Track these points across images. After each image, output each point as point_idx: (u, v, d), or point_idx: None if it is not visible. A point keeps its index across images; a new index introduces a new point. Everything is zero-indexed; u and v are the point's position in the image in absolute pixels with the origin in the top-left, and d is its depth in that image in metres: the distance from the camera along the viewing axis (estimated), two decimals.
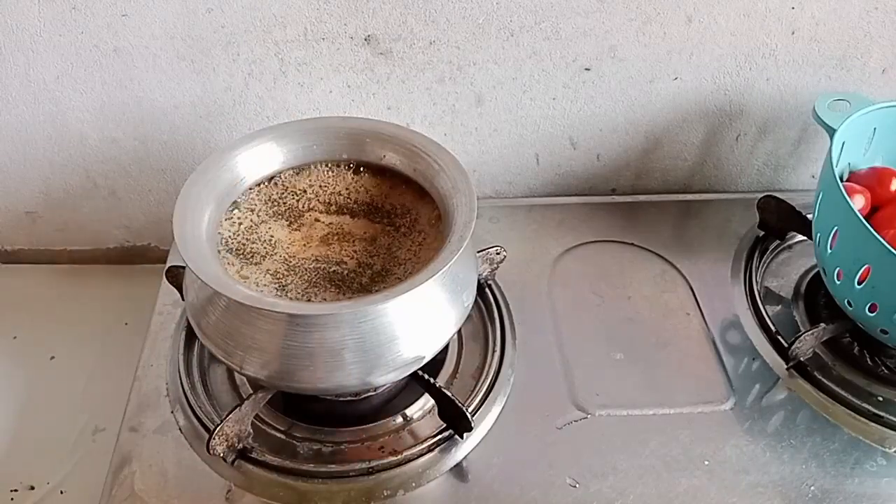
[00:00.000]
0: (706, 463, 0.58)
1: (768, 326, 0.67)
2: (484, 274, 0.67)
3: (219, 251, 0.56)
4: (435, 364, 0.61)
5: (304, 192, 0.61)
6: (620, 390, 0.63)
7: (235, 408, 0.55)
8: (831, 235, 0.61)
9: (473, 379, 0.63)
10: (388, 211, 0.61)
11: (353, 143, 0.62)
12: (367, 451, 0.58)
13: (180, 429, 0.59)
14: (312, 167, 0.62)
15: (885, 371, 0.65)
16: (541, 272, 0.73)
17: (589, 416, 0.61)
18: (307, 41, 0.70)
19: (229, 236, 0.57)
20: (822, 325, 0.64)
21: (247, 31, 0.69)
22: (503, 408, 0.61)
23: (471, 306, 0.57)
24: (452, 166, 0.58)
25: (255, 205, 0.60)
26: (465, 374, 0.64)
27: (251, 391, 0.59)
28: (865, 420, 0.61)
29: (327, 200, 0.61)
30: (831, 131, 0.65)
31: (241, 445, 0.56)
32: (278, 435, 0.60)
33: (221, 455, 0.55)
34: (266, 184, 0.61)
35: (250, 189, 0.60)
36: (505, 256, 0.67)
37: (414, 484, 0.56)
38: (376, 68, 0.72)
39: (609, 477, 0.57)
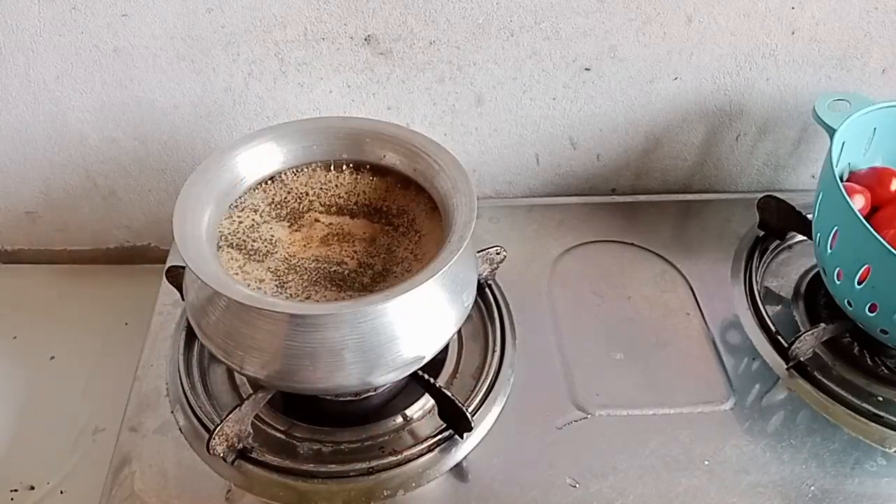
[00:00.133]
0: (706, 463, 0.58)
1: (768, 326, 0.67)
2: (484, 274, 0.67)
3: (221, 246, 0.56)
4: (435, 364, 0.61)
5: (304, 192, 0.61)
6: (620, 390, 0.63)
7: (235, 408, 0.55)
8: (831, 235, 0.61)
9: (473, 379, 0.63)
10: (387, 211, 0.61)
11: (353, 143, 0.62)
12: (367, 451, 0.58)
13: (180, 429, 0.59)
14: (312, 167, 0.62)
15: (885, 371, 0.65)
16: (541, 272, 0.73)
17: (589, 416, 0.61)
18: (307, 41, 0.70)
19: (229, 233, 0.57)
20: (822, 325, 0.64)
21: (247, 31, 0.69)
22: (503, 408, 0.61)
23: (471, 306, 0.57)
24: (452, 166, 0.58)
25: (257, 205, 0.60)
26: (465, 374, 0.64)
27: (251, 391, 0.59)
28: (865, 420, 0.61)
29: (327, 201, 0.61)
30: (831, 131, 0.65)
31: (241, 445, 0.56)
32: (278, 435, 0.60)
33: (221, 455, 0.55)
34: (266, 184, 0.61)
35: (251, 189, 0.60)
36: (505, 256, 0.67)
37: (414, 484, 0.56)
38: (376, 68, 0.72)
39: (609, 477, 0.57)
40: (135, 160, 0.78)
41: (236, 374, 0.64)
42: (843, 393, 0.62)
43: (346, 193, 0.61)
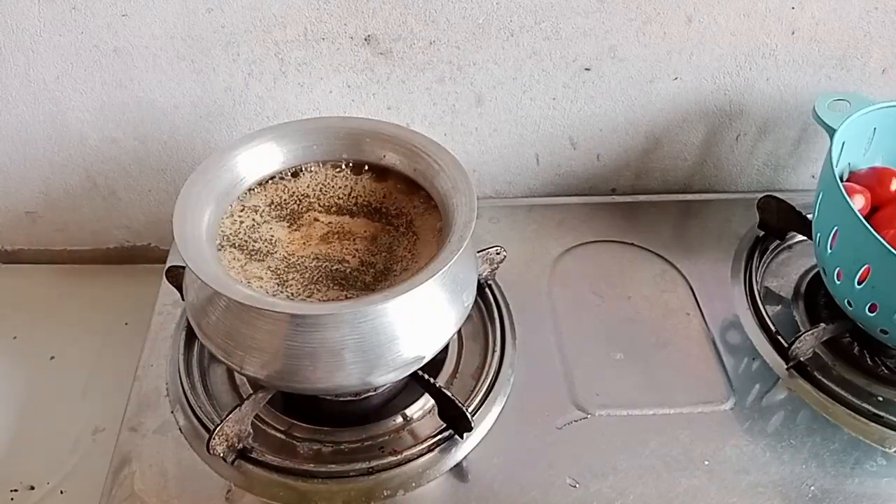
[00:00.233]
0: (706, 463, 0.58)
1: (768, 326, 0.67)
2: (484, 274, 0.67)
3: (223, 246, 0.56)
4: (435, 364, 0.61)
5: (304, 192, 0.61)
6: (620, 390, 0.63)
7: (235, 408, 0.55)
8: (831, 235, 0.61)
9: (473, 379, 0.63)
10: (387, 211, 0.61)
11: (352, 143, 0.62)
12: (367, 451, 0.58)
13: (180, 429, 0.59)
14: (312, 167, 0.62)
15: (885, 371, 0.65)
16: (541, 272, 0.73)
17: (589, 416, 0.61)
18: (307, 41, 0.70)
19: (231, 233, 0.57)
20: (822, 325, 0.64)
21: (247, 31, 0.69)
22: (503, 408, 0.61)
23: (471, 306, 0.57)
24: (452, 166, 0.58)
25: (257, 205, 0.60)
26: (465, 374, 0.64)
27: (251, 391, 0.59)
28: (865, 420, 0.61)
29: (327, 201, 0.61)
30: (831, 131, 0.65)
31: (241, 445, 0.56)
32: (278, 435, 0.60)
33: (221, 455, 0.55)
34: (266, 184, 0.61)
35: (251, 189, 0.60)
36: (505, 256, 0.67)
37: (414, 484, 0.56)
38: (376, 68, 0.72)
39: (609, 477, 0.57)
40: (135, 160, 0.78)
41: (236, 374, 0.64)
42: (843, 393, 0.62)
43: (346, 193, 0.61)
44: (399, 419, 0.61)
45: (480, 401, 0.61)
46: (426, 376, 0.58)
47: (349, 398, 0.60)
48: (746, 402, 0.62)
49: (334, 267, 0.56)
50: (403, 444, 0.59)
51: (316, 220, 0.60)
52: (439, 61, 0.72)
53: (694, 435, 0.59)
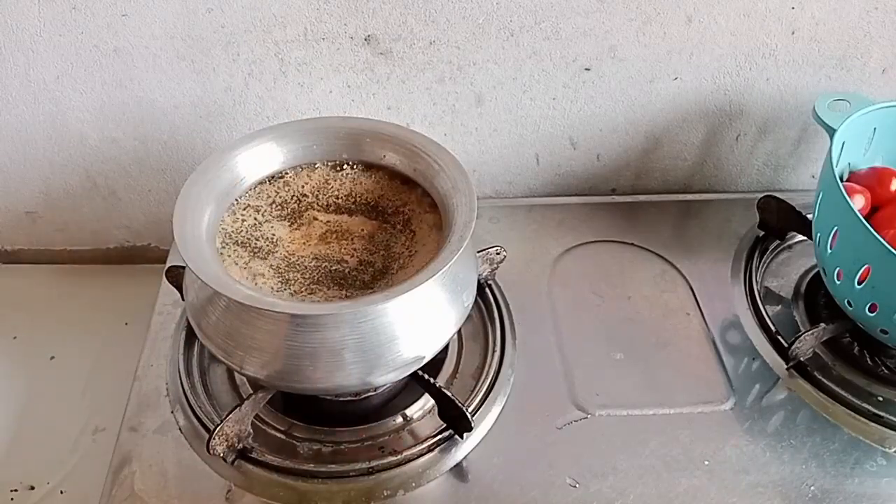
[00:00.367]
0: (706, 463, 0.58)
1: (768, 326, 0.67)
2: (484, 274, 0.67)
3: (226, 243, 0.56)
4: (435, 364, 0.61)
5: (304, 192, 0.61)
6: (620, 390, 0.63)
7: (235, 408, 0.55)
8: (831, 235, 0.61)
9: (473, 379, 0.63)
10: (387, 210, 0.61)
11: (353, 143, 0.62)
12: (367, 451, 0.58)
13: (180, 429, 0.59)
14: (312, 167, 0.62)
15: (885, 371, 0.65)
16: (541, 272, 0.73)
17: (589, 416, 0.61)
18: (307, 41, 0.70)
19: (233, 231, 0.57)
20: (822, 325, 0.64)
21: (247, 31, 0.69)
22: (503, 408, 0.61)
23: (471, 306, 0.57)
24: (452, 166, 0.58)
25: (259, 205, 0.60)
26: (465, 374, 0.64)
27: (251, 391, 0.59)
28: (865, 420, 0.61)
29: (327, 202, 0.61)
30: (831, 131, 0.65)
31: (241, 445, 0.56)
32: (278, 435, 0.60)
33: (221, 455, 0.55)
34: (266, 184, 0.61)
35: (252, 189, 0.60)
36: (505, 256, 0.67)
37: (414, 484, 0.56)
38: (376, 68, 0.72)
39: (609, 477, 0.57)
40: (135, 160, 0.78)
41: (236, 374, 0.64)
42: (843, 393, 0.62)
43: (346, 193, 0.61)
44: (399, 419, 0.61)
45: (480, 401, 0.61)
46: (426, 376, 0.58)
47: (349, 398, 0.60)
48: (746, 402, 0.62)
49: (333, 267, 0.56)
50: (403, 444, 0.59)
51: (315, 218, 0.60)
52: (439, 61, 0.72)
53: (694, 435, 0.59)
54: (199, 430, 0.59)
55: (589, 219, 0.79)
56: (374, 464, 0.56)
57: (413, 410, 0.61)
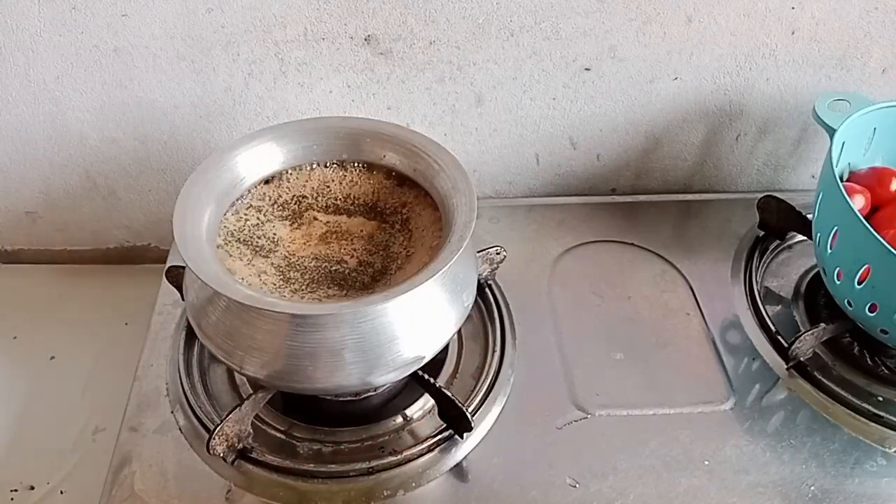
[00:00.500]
0: (706, 463, 0.58)
1: (768, 326, 0.67)
2: (484, 274, 0.67)
3: (228, 241, 0.56)
4: (435, 364, 0.61)
5: (304, 192, 0.61)
6: (620, 390, 0.63)
7: (235, 408, 0.55)
8: (831, 235, 0.61)
9: (473, 379, 0.63)
10: (387, 211, 0.61)
11: (352, 143, 0.62)
12: (367, 451, 0.58)
13: (180, 429, 0.59)
14: (312, 167, 0.62)
15: (885, 371, 0.65)
16: (541, 272, 0.73)
17: (589, 416, 0.61)
18: (307, 41, 0.70)
19: (235, 229, 0.57)
20: (822, 325, 0.64)
21: (247, 31, 0.69)
22: (503, 408, 0.61)
23: (471, 306, 0.57)
24: (452, 166, 0.58)
25: (260, 205, 0.60)
26: (465, 374, 0.64)
27: (251, 391, 0.59)
28: (865, 420, 0.61)
29: (326, 203, 0.61)
30: (831, 131, 0.65)
31: (241, 445, 0.56)
32: (278, 435, 0.60)
33: (221, 455, 0.55)
34: (267, 183, 0.61)
35: (253, 188, 0.60)
36: (505, 256, 0.67)
37: (414, 484, 0.56)
38: (376, 68, 0.72)
39: (609, 477, 0.57)
40: (135, 160, 0.78)
41: (236, 374, 0.64)
42: (843, 393, 0.62)
43: (346, 193, 0.61)
44: (399, 419, 0.61)
45: (480, 401, 0.61)
46: (426, 376, 0.58)
47: (349, 398, 0.60)
48: (746, 402, 0.62)
49: (333, 267, 0.56)
50: (403, 444, 0.59)
51: (315, 218, 0.60)
52: (439, 61, 0.72)
53: (694, 435, 0.59)
54: (199, 430, 0.59)
55: (589, 219, 0.79)
56: (374, 464, 0.56)
57: (413, 410, 0.61)
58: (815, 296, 0.71)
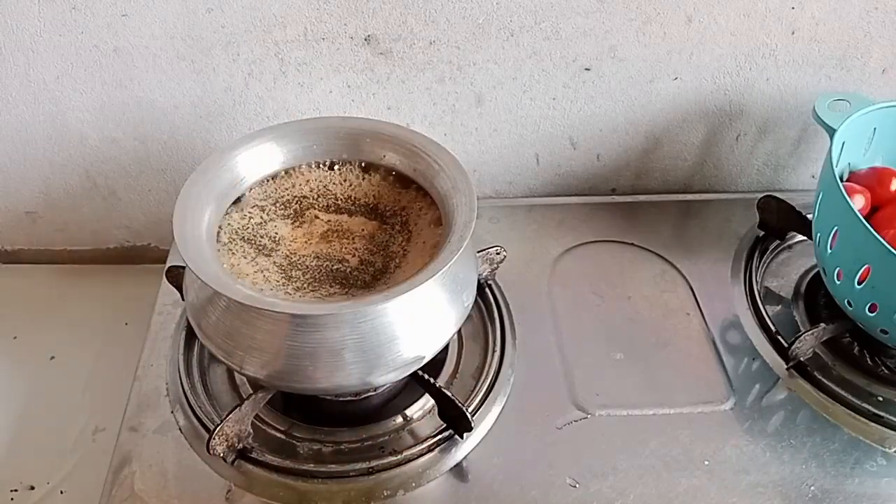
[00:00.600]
0: (706, 463, 0.58)
1: (768, 326, 0.67)
2: (484, 274, 0.67)
3: (233, 239, 0.56)
4: (435, 364, 0.61)
5: (305, 192, 0.61)
6: (620, 390, 0.63)
7: (235, 408, 0.55)
8: (831, 235, 0.61)
9: (473, 379, 0.63)
10: (387, 210, 0.61)
11: (352, 143, 0.62)
12: (367, 451, 0.58)
13: (180, 429, 0.59)
14: (312, 167, 0.62)
15: (885, 371, 0.65)
16: (541, 272, 0.73)
17: (589, 416, 0.61)
18: (307, 41, 0.70)
19: (240, 227, 0.57)
20: (822, 325, 0.64)
21: (247, 31, 0.69)
22: (503, 408, 0.61)
23: (471, 306, 0.57)
24: (452, 166, 0.58)
25: (263, 204, 0.60)
26: (465, 374, 0.64)
27: (251, 391, 0.59)
28: (865, 420, 0.61)
29: (327, 202, 0.61)
30: (831, 131, 0.65)
31: (241, 445, 0.56)
32: (278, 435, 0.60)
33: (221, 455, 0.55)
34: (267, 183, 0.61)
35: (255, 189, 0.60)
36: (505, 256, 0.67)
37: (414, 484, 0.56)
38: (376, 68, 0.72)
39: (609, 477, 0.57)
40: (135, 160, 0.78)
41: (236, 374, 0.64)
42: (843, 393, 0.62)
43: (346, 194, 0.61)
44: (399, 419, 0.61)
45: (480, 401, 0.61)
46: (426, 376, 0.58)
47: (349, 398, 0.60)
48: (746, 402, 0.62)
49: (335, 266, 0.56)
50: (403, 444, 0.59)
51: (317, 217, 0.60)
52: (439, 61, 0.72)
53: (694, 435, 0.59)
54: (199, 430, 0.59)
55: (589, 219, 0.79)
56: (374, 464, 0.56)
57: (413, 410, 0.61)
58: (815, 296, 0.71)
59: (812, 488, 0.56)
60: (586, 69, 0.74)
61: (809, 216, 0.68)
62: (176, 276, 0.63)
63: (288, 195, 0.61)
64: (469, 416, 0.56)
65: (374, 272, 0.56)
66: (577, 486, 0.56)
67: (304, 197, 0.61)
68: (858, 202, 0.63)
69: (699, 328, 0.68)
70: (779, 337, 0.66)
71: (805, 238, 0.74)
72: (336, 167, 0.62)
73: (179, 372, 0.62)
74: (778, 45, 0.74)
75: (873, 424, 0.60)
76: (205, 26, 0.68)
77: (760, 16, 0.72)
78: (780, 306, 0.71)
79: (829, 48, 0.74)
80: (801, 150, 0.83)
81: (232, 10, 0.67)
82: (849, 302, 0.61)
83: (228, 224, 0.57)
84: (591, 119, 0.78)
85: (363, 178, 0.62)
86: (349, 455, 0.58)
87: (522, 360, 0.65)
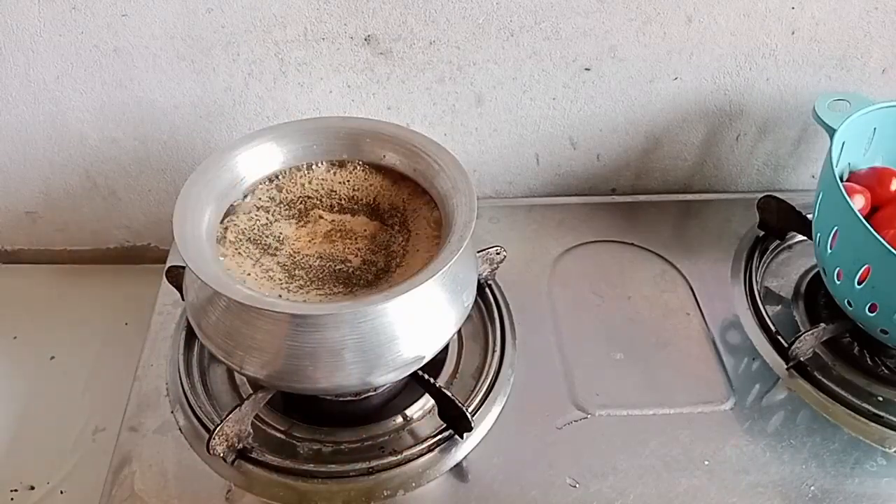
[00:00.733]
0: (706, 463, 0.58)
1: (768, 326, 0.67)
2: (484, 274, 0.67)
3: (239, 240, 0.56)
4: (435, 364, 0.61)
5: (305, 192, 0.61)
6: (620, 390, 0.63)
7: (235, 408, 0.55)
8: (831, 235, 0.61)
9: (473, 379, 0.63)
10: (388, 210, 0.61)
11: (352, 143, 0.62)
12: (367, 451, 0.58)
13: (180, 429, 0.59)
14: (312, 167, 0.62)
15: (885, 371, 0.65)
16: (541, 272, 0.73)
17: (589, 416, 0.61)
18: (307, 41, 0.70)
19: (246, 228, 0.57)
20: (822, 325, 0.64)
21: (247, 31, 0.69)
22: (503, 408, 0.61)
23: (471, 306, 0.57)
24: (452, 166, 0.58)
25: (267, 205, 0.60)
26: (465, 374, 0.64)
27: (251, 391, 0.59)
28: (865, 420, 0.61)
29: (329, 201, 0.61)
30: (831, 131, 0.65)
31: (241, 445, 0.56)
32: (278, 435, 0.60)
33: (221, 455, 0.55)
34: (268, 183, 0.61)
35: (256, 188, 0.60)
36: (505, 256, 0.67)
37: (414, 484, 0.56)
38: (376, 68, 0.72)
39: (609, 477, 0.57)
40: (135, 160, 0.78)
41: (236, 374, 0.64)
42: (843, 393, 0.62)
43: (346, 194, 0.61)
44: (399, 419, 0.61)
45: (480, 401, 0.61)
46: (426, 376, 0.58)
47: (349, 398, 0.60)
48: (746, 402, 0.62)
49: (337, 266, 0.56)
50: (403, 444, 0.59)
51: (321, 217, 0.60)
52: (439, 61, 0.72)
53: (694, 435, 0.59)
54: (199, 430, 0.59)
55: (589, 219, 0.79)
56: (374, 464, 0.56)
57: (413, 410, 0.61)
58: (815, 296, 0.71)
59: (812, 488, 0.56)
60: (586, 69, 0.74)
61: (809, 216, 0.68)
62: (176, 276, 0.63)
63: (292, 196, 0.61)
64: (469, 416, 0.56)
65: (376, 272, 0.56)
66: (577, 486, 0.56)
67: (308, 197, 0.61)
68: (858, 202, 0.63)
69: (699, 328, 0.68)
70: (779, 337, 0.66)
71: (805, 238, 0.74)
72: (336, 167, 0.62)
73: (179, 372, 0.62)
74: (778, 45, 0.74)
75: (873, 424, 0.60)
76: (205, 26, 0.68)
77: (760, 16, 0.72)
78: (780, 306, 0.71)
79: (829, 48, 0.74)
80: (801, 150, 0.83)
81: (232, 10, 0.67)
82: (849, 302, 0.61)
83: (236, 225, 0.57)
84: (591, 119, 0.78)
85: (363, 179, 0.62)
86: (349, 455, 0.58)
87: (522, 360, 0.65)
